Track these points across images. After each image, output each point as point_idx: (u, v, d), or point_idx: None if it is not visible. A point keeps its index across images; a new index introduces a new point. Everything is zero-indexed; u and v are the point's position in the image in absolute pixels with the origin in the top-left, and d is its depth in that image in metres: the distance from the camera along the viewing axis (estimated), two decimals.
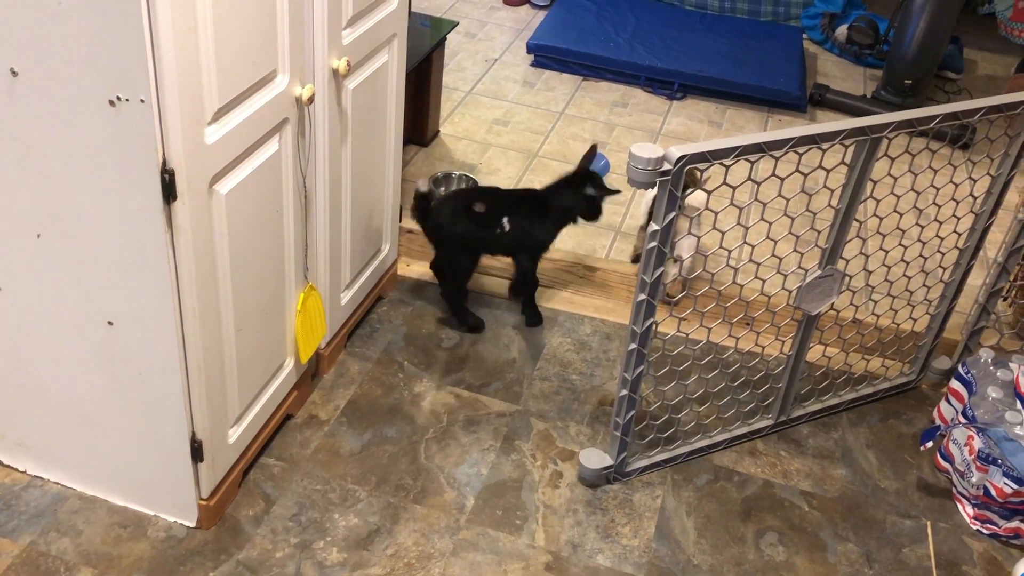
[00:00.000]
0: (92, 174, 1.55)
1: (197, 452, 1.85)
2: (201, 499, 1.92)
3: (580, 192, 2.52)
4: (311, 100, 1.89)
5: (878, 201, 2.12)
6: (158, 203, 1.55)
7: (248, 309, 1.89)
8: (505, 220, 2.47)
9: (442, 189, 3.08)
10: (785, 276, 2.13)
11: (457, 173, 3.15)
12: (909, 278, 2.33)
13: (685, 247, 2.50)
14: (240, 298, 1.84)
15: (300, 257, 2.06)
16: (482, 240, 2.49)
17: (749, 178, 1.89)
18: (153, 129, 1.48)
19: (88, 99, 1.47)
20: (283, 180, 1.91)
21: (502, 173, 3.29)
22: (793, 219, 2.05)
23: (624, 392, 2.06)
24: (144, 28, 1.39)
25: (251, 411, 2.03)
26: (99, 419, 1.87)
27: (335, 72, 1.99)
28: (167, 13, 1.41)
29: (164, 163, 1.52)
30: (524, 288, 2.63)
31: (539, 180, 3.26)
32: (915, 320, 2.47)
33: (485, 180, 3.22)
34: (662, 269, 1.91)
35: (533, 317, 2.63)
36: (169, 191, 1.54)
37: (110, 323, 1.71)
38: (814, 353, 2.38)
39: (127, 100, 1.45)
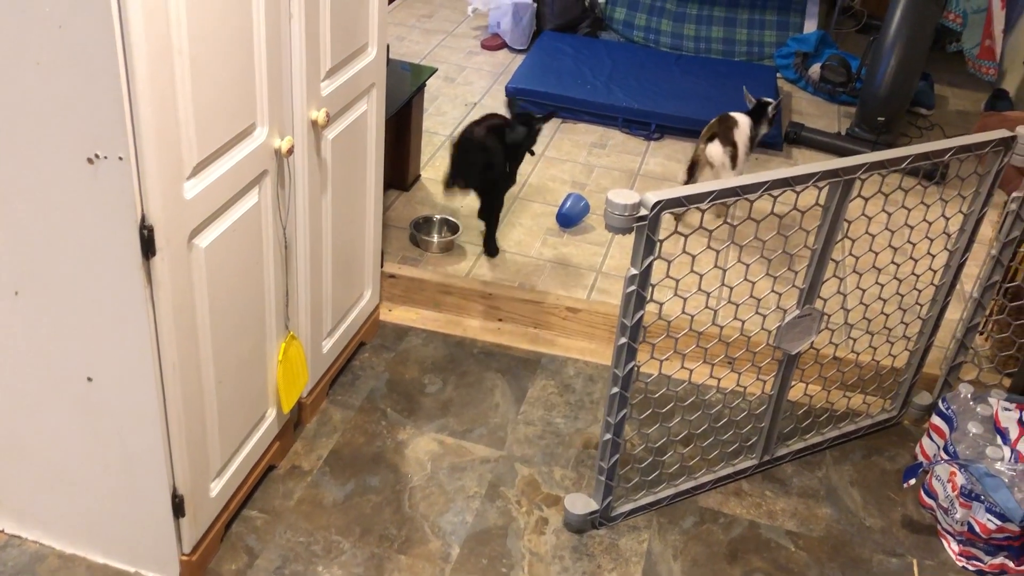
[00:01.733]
0: (70, 231, 1.55)
1: (178, 507, 1.83)
2: (183, 554, 1.90)
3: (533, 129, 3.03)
4: (290, 152, 1.90)
5: (853, 241, 2.15)
6: (137, 259, 1.55)
7: (229, 361, 1.88)
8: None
9: (422, 235, 3.09)
10: (764, 316, 2.15)
11: (438, 217, 3.17)
12: (887, 315, 2.35)
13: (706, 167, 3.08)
14: (220, 350, 1.84)
15: (281, 307, 2.06)
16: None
17: (725, 221, 1.91)
18: (131, 186, 1.48)
19: (66, 157, 1.48)
20: (263, 231, 1.91)
21: None
22: (770, 260, 2.07)
23: (608, 436, 2.06)
24: (122, 86, 1.40)
25: (233, 463, 2.01)
26: (78, 475, 1.85)
27: (314, 123, 2.00)
28: (144, 71, 1.42)
29: (143, 219, 1.52)
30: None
31: (521, 223, 3.29)
32: (894, 357, 2.49)
33: (466, 223, 3.24)
34: (642, 312, 1.92)
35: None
36: (148, 247, 1.55)
37: (89, 379, 1.70)
38: (796, 392, 2.39)
39: (105, 157, 1.46)
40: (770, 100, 3.41)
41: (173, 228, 1.59)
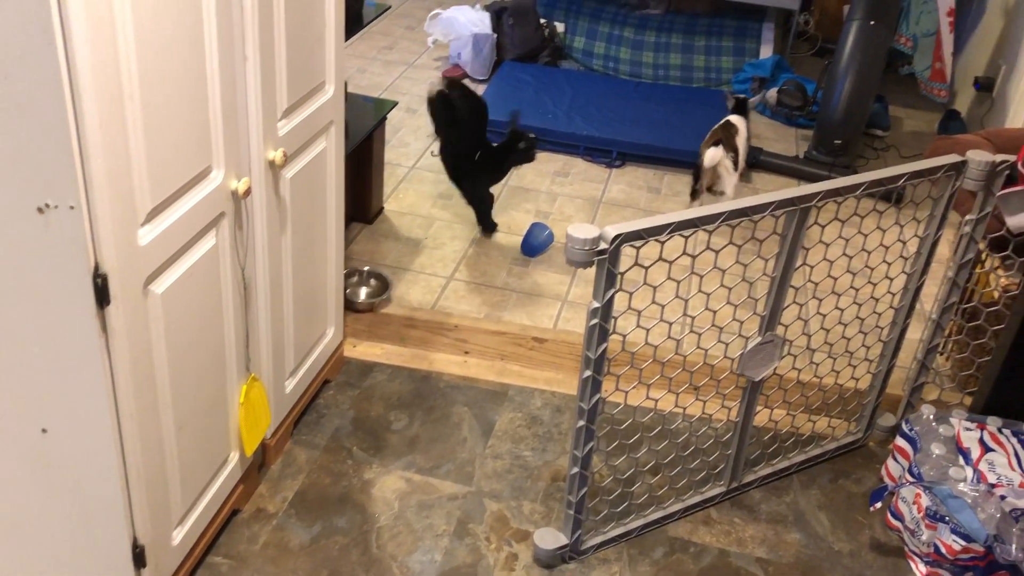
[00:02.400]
0: (22, 281, 1.52)
1: (139, 558, 1.79)
2: None
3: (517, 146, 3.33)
4: (247, 193, 1.89)
5: (811, 267, 2.17)
6: (91, 308, 1.52)
7: (189, 406, 1.86)
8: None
9: (348, 290, 2.93)
10: (727, 345, 2.16)
11: (366, 269, 3.04)
12: (848, 339, 2.37)
13: (728, 185, 3.48)
14: (180, 396, 1.81)
15: (241, 349, 2.04)
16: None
17: (684, 252, 1.93)
18: (84, 235, 1.46)
19: (16, 207, 1.45)
20: (221, 274, 1.89)
21: (448, 247, 3.31)
22: (730, 289, 2.09)
23: (575, 470, 2.05)
24: (71, 135, 1.39)
25: (195, 510, 1.98)
26: (35, 528, 1.80)
27: (271, 163, 1.99)
28: (94, 119, 1.40)
29: (96, 268, 1.50)
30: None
31: (486, 254, 3.29)
32: (857, 379, 2.51)
33: (431, 255, 3.24)
34: (605, 345, 1.92)
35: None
36: (102, 296, 1.52)
37: (44, 430, 1.67)
38: (761, 417, 2.40)
39: (56, 207, 1.44)
40: (744, 96, 3.95)
41: (128, 275, 1.56)
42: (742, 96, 4.01)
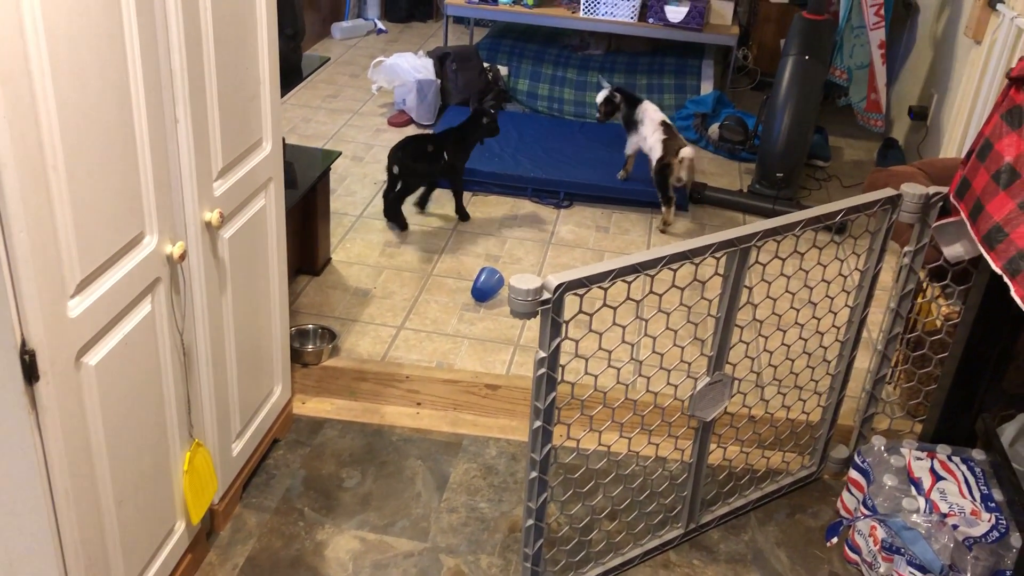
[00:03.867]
0: None
1: None
2: None
3: (481, 122, 3.74)
4: (183, 257, 1.85)
5: (755, 306, 2.18)
6: (19, 385, 1.48)
7: (129, 479, 1.80)
8: (445, 154, 3.70)
9: (296, 344, 2.87)
10: (676, 386, 2.16)
11: (312, 326, 3.00)
12: (796, 374, 2.38)
13: (685, 167, 3.82)
14: (119, 469, 1.76)
15: (183, 415, 1.99)
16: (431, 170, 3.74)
17: (628, 297, 1.93)
18: (8, 311, 1.42)
19: None
20: (158, 340, 1.85)
21: (397, 296, 3.28)
22: (676, 331, 2.09)
23: (530, 522, 2.02)
24: None
25: None
26: None
27: (208, 225, 1.96)
28: (16, 192, 1.37)
29: (23, 344, 1.46)
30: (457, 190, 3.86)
31: (436, 300, 3.27)
32: (808, 413, 2.52)
33: (380, 304, 3.21)
34: (554, 394, 1.90)
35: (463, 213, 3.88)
36: (30, 372, 1.48)
37: None
38: (715, 456, 2.40)
39: None
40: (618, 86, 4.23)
41: (57, 350, 1.52)
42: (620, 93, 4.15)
